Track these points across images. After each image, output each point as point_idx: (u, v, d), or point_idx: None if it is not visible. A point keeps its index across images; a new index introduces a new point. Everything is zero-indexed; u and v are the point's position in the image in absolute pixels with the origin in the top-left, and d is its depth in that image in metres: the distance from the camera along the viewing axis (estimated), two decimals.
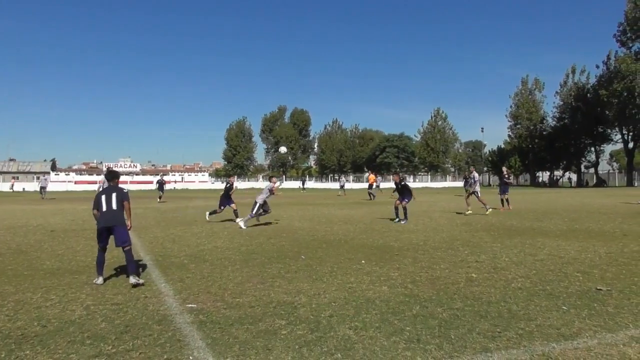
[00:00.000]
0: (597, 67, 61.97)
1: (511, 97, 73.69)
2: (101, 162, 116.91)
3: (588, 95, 64.63)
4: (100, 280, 6.57)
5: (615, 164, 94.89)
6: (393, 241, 10.50)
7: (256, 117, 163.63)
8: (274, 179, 14.51)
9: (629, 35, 56.30)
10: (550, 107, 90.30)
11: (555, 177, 77.01)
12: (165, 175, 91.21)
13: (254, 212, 13.75)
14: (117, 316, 5.02)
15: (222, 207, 15.39)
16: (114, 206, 6.67)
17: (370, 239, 10.99)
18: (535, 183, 75.15)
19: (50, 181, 69.24)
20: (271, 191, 14.02)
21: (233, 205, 15.22)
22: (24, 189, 61.27)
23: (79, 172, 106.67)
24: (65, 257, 8.86)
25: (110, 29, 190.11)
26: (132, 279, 6.34)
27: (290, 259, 8.42)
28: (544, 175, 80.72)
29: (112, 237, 6.63)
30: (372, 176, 34.73)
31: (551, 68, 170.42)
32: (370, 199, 29.40)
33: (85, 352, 4.02)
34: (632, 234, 11.16)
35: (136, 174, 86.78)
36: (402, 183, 14.87)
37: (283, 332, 4.49)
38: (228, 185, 15.89)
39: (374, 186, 33.19)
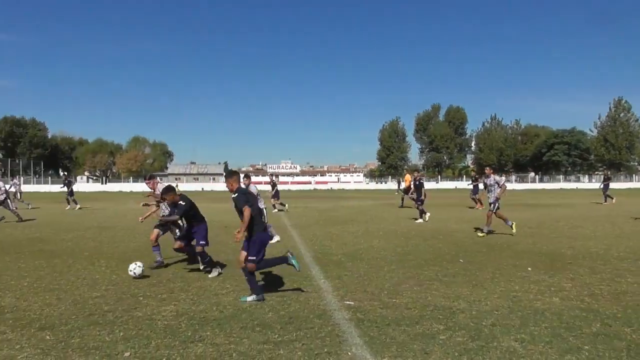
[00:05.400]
0: None
1: None
2: (265, 164, 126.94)
3: None
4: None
5: None
6: (565, 248, 9.57)
7: (409, 117, 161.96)
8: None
9: None
10: None
11: None
12: (323, 175, 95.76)
13: None
14: (282, 307, 5.40)
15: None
16: None
17: (538, 244, 10.16)
18: None
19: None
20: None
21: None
22: (202, 188, 68.85)
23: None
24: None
25: (277, 34, 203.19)
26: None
27: (447, 262, 8.19)
28: None
29: None
30: (408, 176, 22.22)
31: None
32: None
33: (255, 338, 4.40)
34: None
35: (296, 175, 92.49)
36: None
37: (441, 337, 4.38)
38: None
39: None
